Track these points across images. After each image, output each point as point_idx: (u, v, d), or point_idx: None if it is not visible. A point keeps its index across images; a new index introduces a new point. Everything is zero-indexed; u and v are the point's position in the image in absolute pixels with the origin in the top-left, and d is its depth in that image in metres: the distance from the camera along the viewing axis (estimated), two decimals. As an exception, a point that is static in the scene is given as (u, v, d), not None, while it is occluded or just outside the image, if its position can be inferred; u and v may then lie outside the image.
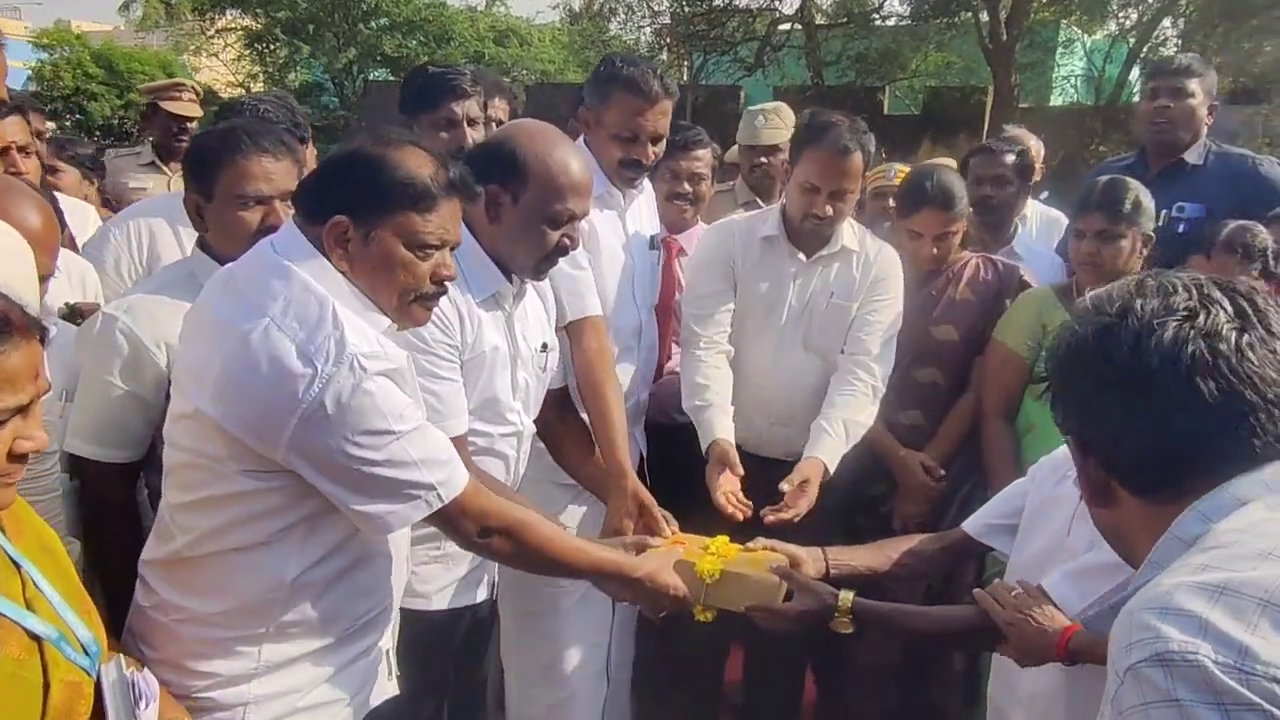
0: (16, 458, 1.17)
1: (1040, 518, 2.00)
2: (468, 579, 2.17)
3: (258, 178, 1.98)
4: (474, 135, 2.78)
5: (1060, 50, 15.62)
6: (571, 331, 2.37)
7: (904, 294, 2.75)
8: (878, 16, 15.78)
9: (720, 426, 2.50)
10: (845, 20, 15.59)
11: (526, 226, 2.04)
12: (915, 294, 2.79)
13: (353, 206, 1.57)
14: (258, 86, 20.42)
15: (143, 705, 1.31)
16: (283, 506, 1.54)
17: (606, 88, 2.52)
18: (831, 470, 2.50)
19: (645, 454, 2.82)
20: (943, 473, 2.76)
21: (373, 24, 19.20)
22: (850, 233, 2.69)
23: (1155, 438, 1.00)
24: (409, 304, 1.64)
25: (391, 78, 17.47)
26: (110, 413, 1.90)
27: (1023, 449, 2.66)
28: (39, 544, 1.33)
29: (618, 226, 2.65)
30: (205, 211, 2.03)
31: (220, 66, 22.86)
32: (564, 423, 2.40)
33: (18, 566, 1.24)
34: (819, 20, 15.67)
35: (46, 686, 1.18)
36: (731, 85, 14.86)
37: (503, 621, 2.57)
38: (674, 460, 2.65)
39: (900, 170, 3.56)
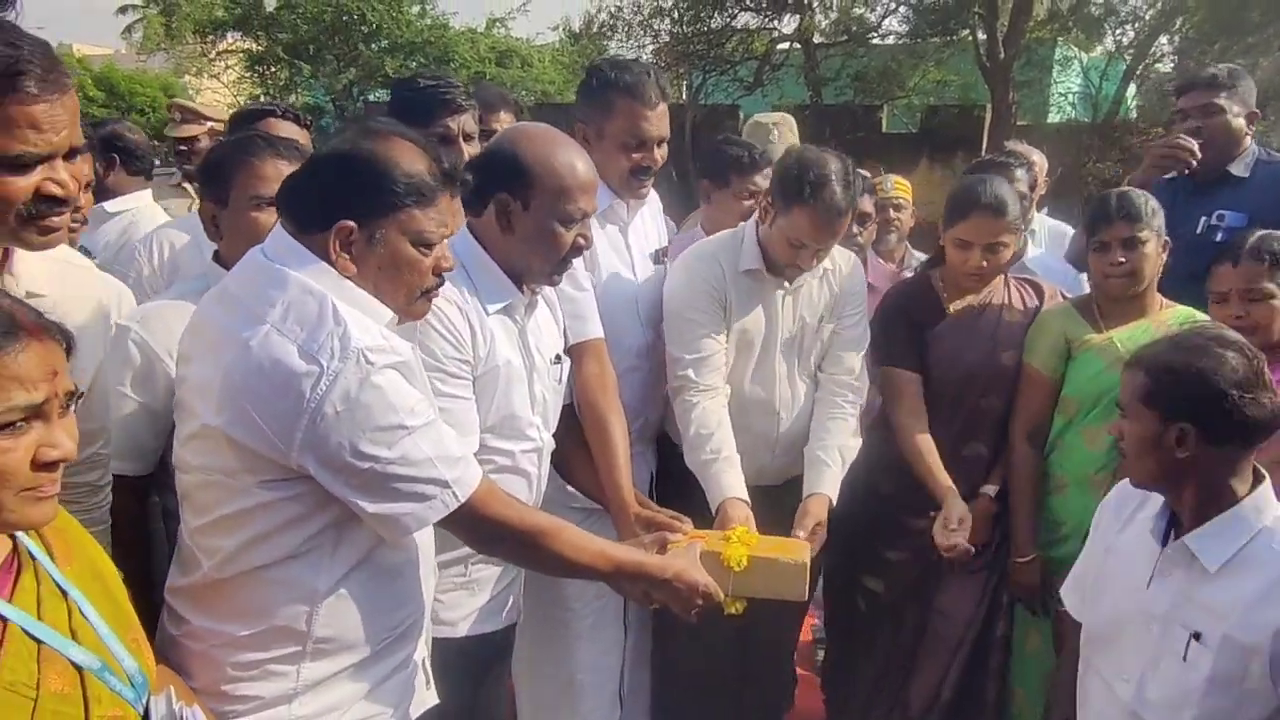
0: (43, 467, 1.14)
1: (1110, 569, 1.92)
2: (493, 604, 2.16)
3: (273, 179, 2.01)
4: (470, 152, 2.69)
5: (1057, 68, 15.70)
6: (573, 355, 2.35)
7: (953, 320, 2.72)
8: (875, 35, 15.88)
9: (730, 484, 2.42)
10: (844, 39, 15.66)
11: (540, 231, 2.03)
12: (969, 321, 2.73)
13: (356, 209, 1.55)
14: (259, 108, 20.43)
15: None
16: (305, 515, 1.52)
17: (605, 96, 2.50)
18: (834, 503, 2.49)
19: (655, 471, 2.81)
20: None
21: (374, 45, 19.24)
22: None
23: None
24: (415, 300, 1.64)
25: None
26: (121, 424, 1.92)
27: (1049, 465, 2.67)
28: (91, 570, 1.30)
29: (620, 243, 2.64)
30: (221, 219, 2.08)
31: (221, 88, 22.92)
32: (570, 440, 2.36)
33: (65, 594, 1.21)
34: (817, 39, 15.74)
35: None
36: (731, 105, 14.91)
37: (516, 644, 2.56)
38: (685, 478, 2.62)
39: (897, 181, 3.57)
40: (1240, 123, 3.17)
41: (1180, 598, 1.75)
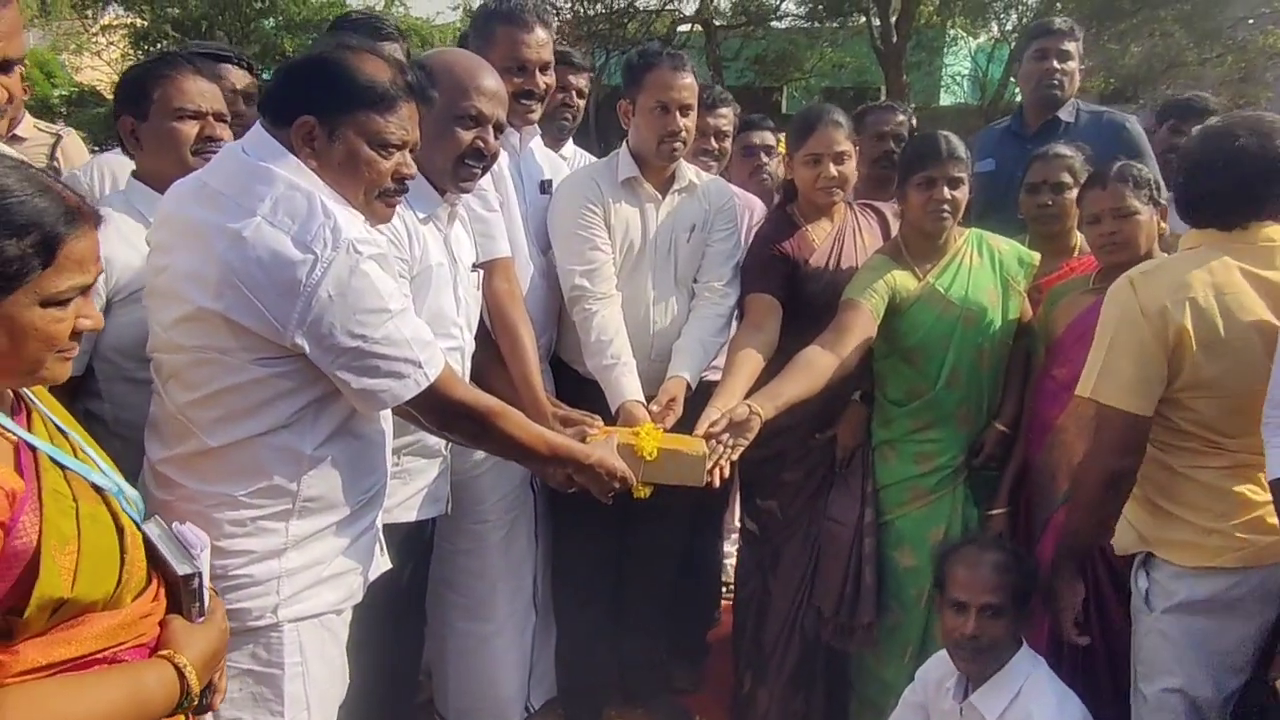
0: (75, 335, 1.25)
1: None
2: (425, 494, 2.29)
3: (192, 93, 2.11)
4: None
5: (947, 51, 16.32)
6: (483, 272, 2.46)
7: (820, 254, 2.85)
8: (774, 18, 16.20)
9: (629, 387, 2.57)
10: (744, 21, 15.94)
11: (439, 129, 2.14)
12: (835, 252, 2.85)
13: (318, 107, 1.68)
14: (145, 86, 19.62)
15: (197, 550, 1.39)
16: (295, 389, 1.66)
17: (486, 27, 2.64)
18: (693, 385, 2.64)
19: (553, 393, 2.89)
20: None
21: (266, 22, 18.73)
22: (689, 169, 2.85)
23: None
24: (373, 200, 1.75)
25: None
26: None
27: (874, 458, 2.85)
28: (70, 422, 1.39)
29: (513, 170, 2.74)
30: (140, 131, 2.11)
31: (104, 66, 21.97)
32: (482, 351, 2.47)
33: (65, 434, 1.32)
34: (718, 21, 15.99)
35: (120, 531, 1.27)
36: (634, 84, 15.05)
37: (442, 552, 2.63)
38: (579, 397, 2.70)
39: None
40: (1077, 70, 3.60)
41: None
